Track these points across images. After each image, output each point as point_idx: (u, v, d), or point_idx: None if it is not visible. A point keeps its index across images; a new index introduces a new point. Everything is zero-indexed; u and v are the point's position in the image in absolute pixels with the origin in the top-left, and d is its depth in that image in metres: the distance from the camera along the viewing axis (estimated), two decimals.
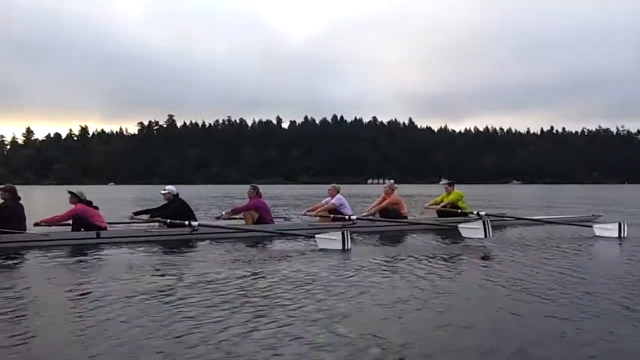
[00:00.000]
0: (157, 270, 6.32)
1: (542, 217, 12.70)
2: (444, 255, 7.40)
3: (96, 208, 9.33)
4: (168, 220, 9.14)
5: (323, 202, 11.29)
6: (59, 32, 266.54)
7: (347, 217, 10.42)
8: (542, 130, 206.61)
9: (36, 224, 8.79)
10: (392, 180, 12.22)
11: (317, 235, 8.20)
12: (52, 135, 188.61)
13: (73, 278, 5.92)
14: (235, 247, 8.30)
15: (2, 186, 8.81)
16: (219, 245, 8.49)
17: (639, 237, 9.30)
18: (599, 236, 9.36)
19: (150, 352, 3.37)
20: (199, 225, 9.18)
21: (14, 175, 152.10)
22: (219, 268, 6.34)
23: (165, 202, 9.92)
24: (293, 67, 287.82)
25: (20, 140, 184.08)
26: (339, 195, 10.99)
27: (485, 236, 8.45)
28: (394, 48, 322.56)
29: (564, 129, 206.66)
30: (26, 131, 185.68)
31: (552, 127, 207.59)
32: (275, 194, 41.33)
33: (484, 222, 8.53)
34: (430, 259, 7.00)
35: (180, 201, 9.98)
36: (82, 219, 8.96)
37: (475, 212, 11.37)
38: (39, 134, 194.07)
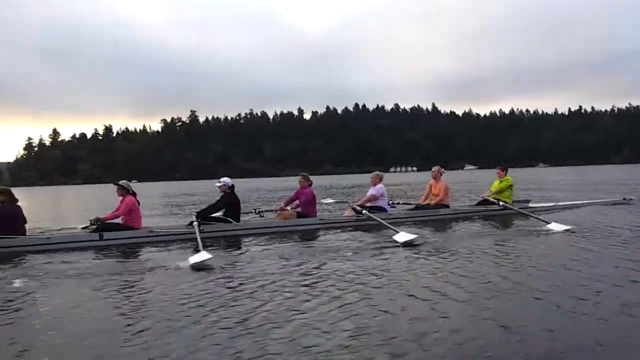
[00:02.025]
0: (158, 275, 5.93)
1: (570, 202, 12.64)
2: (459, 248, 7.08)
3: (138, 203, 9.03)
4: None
5: (369, 192, 10.65)
6: (82, 35, 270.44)
7: (361, 211, 9.68)
8: (569, 110, 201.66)
9: (94, 222, 8.51)
10: (437, 166, 11.46)
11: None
12: (77, 136, 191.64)
13: (74, 283, 5.58)
14: (240, 246, 7.92)
15: None
16: (225, 244, 8.19)
17: None
18: None
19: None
20: (201, 223, 8.63)
21: (43, 176, 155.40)
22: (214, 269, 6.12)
23: (221, 194, 9.43)
24: (313, 58, 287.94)
25: (47, 141, 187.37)
26: (379, 186, 10.44)
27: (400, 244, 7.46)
28: (416, 34, 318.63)
29: (592, 108, 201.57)
30: (53, 132, 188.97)
31: (580, 107, 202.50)
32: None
33: (408, 242, 7.47)
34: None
35: (232, 195, 9.43)
36: (132, 212, 8.63)
37: (497, 201, 11.02)
38: (65, 135, 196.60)
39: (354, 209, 10.06)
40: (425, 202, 11.02)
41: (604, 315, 3.83)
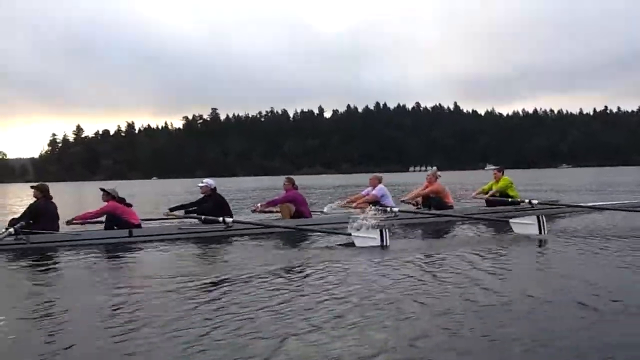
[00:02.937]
0: (192, 268, 6.06)
1: (600, 203, 11.60)
2: (492, 251, 6.64)
3: (129, 205, 8.99)
4: (203, 217, 8.84)
5: (364, 192, 10.66)
6: (108, 32, 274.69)
7: (388, 208, 9.73)
8: (594, 110, 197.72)
9: (68, 222, 8.54)
10: (434, 168, 11.36)
11: (353, 233, 7.52)
12: (100, 132, 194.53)
13: (106, 278, 5.73)
14: (271, 244, 7.96)
15: (34, 184, 8.68)
16: (254, 242, 8.16)
17: None
18: None
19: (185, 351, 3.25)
20: (233, 221, 8.77)
21: (66, 171, 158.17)
22: (253, 265, 6.02)
23: (202, 195, 9.47)
24: (334, 58, 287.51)
25: (71, 137, 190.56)
26: (380, 186, 10.35)
27: (540, 232, 7.63)
28: (438, 32, 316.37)
29: (619, 108, 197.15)
30: (76, 128, 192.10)
31: (606, 107, 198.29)
32: (315, 184, 40.73)
33: (538, 217, 7.77)
34: (477, 255, 6.26)
35: (217, 195, 9.51)
36: (115, 216, 8.65)
37: (527, 200, 10.53)
38: (89, 131, 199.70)
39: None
40: (409, 199, 10.96)
41: None
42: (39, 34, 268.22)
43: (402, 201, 10.94)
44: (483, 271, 5.35)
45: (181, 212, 9.24)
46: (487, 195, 11.07)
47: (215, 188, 9.52)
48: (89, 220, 8.69)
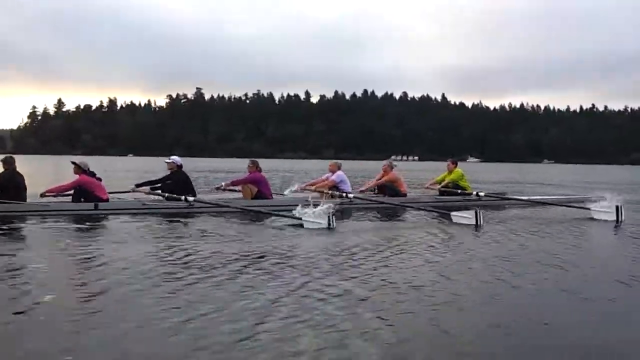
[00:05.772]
0: (153, 242, 6.51)
1: (543, 197, 13.01)
2: (436, 235, 7.51)
3: (99, 179, 9.47)
4: (166, 195, 9.32)
5: (324, 177, 11.24)
6: (93, 5, 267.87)
7: (344, 194, 10.32)
8: (581, 108, 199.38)
9: (42, 195, 9.00)
10: (392, 157, 11.89)
11: (304, 217, 8.00)
12: (81, 107, 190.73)
13: (71, 248, 6.07)
14: (229, 223, 8.45)
15: (1, 157, 9.18)
16: (214, 220, 8.67)
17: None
18: (596, 219, 9.41)
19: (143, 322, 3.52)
20: (194, 200, 9.23)
21: (43, 145, 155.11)
22: (210, 243, 6.51)
23: (169, 171, 9.85)
24: (326, 42, 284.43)
25: (52, 111, 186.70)
26: (339, 172, 11.00)
27: (477, 225, 8.38)
28: (431, 22, 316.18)
29: (605, 107, 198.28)
30: (57, 102, 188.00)
31: (593, 105, 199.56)
32: (295, 167, 40.51)
33: (476, 212, 8.51)
34: (421, 238, 7.12)
35: (182, 173, 9.87)
36: (84, 190, 9.08)
37: (474, 192, 11.35)
38: (70, 105, 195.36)
39: (322, 192, 10.39)
40: (366, 189, 11.53)
41: None
42: (23, 3, 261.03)
43: (361, 191, 11.52)
44: (407, 253, 6.11)
45: (147, 189, 9.66)
46: (439, 186, 11.74)
47: (181, 165, 9.89)
48: (61, 192, 9.20)
